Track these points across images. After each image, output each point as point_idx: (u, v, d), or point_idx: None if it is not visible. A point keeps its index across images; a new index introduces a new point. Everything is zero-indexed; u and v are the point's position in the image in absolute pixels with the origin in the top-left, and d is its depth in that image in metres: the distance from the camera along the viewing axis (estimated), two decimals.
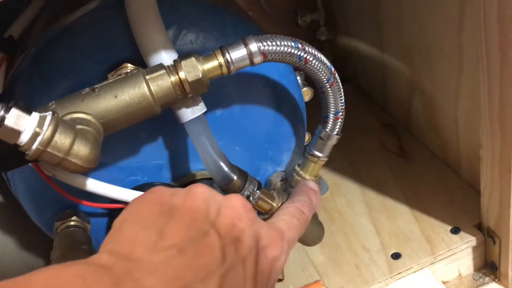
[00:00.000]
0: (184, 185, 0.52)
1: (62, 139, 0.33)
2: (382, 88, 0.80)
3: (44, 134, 0.33)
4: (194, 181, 0.52)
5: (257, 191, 0.44)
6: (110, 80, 0.39)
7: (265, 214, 0.46)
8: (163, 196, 0.31)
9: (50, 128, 0.33)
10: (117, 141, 0.47)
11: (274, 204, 0.45)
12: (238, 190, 0.44)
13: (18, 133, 0.32)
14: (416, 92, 0.69)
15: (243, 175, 0.44)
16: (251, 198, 0.42)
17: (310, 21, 0.88)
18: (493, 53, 0.44)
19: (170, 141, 0.50)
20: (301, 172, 0.51)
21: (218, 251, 0.28)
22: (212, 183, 0.52)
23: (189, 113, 0.43)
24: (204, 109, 0.44)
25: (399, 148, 0.74)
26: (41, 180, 0.46)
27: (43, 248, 0.62)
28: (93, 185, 0.46)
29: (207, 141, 0.43)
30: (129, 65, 0.43)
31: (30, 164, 0.40)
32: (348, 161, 0.73)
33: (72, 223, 0.48)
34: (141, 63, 0.44)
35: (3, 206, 0.60)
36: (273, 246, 0.33)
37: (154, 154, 0.50)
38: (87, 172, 0.38)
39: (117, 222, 0.30)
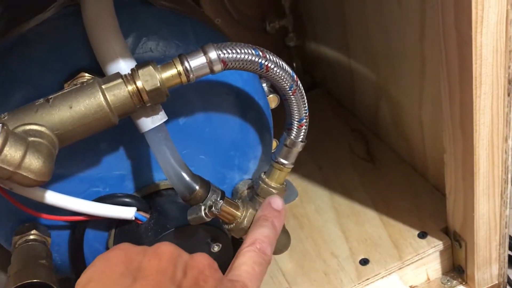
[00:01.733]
0: (147, 195, 0.51)
1: (12, 152, 0.32)
2: (350, 93, 0.80)
3: None
4: (157, 191, 0.51)
5: (220, 200, 0.43)
6: (65, 90, 0.38)
7: (229, 224, 0.45)
8: (129, 254, 0.31)
9: None
10: (77, 152, 0.46)
11: (238, 214, 0.45)
12: (201, 200, 0.43)
13: None
14: (382, 97, 0.69)
15: (206, 184, 0.44)
16: (213, 208, 0.42)
17: (279, 27, 0.88)
18: (452, 59, 0.44)
19: (132, 151, 0.49)
20: (267, 180, 0.50)
21: None
22: (176, 193, 0.51)
23: (149, 123, 0.42)
24: (165, 118, 0.43)
25: (367, 153, 0.74)
26: None
27: (3, 262, 0.60)
28: (53, 197, 0.45)
29: (168, 151, 0.43)
30: (86, 74, 0.43)
31: None
32: (317, 166, 0.73)
33: (31, 237, 0.47)
34: (100, 73, 0.43)
35: None
36: None
37: (116, 164, 0.49)
38: (43, 184, 0.37)
39: (81, 281, 0.29)
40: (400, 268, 0.57)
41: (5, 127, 0.33)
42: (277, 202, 0.44)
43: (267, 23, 0.87)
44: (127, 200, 0.49)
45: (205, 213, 0.42)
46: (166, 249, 0.31)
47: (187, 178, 0.43)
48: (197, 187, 0.43)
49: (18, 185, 0.42)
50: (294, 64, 0.92)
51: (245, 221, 0.45)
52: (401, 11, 0.55)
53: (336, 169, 0.72)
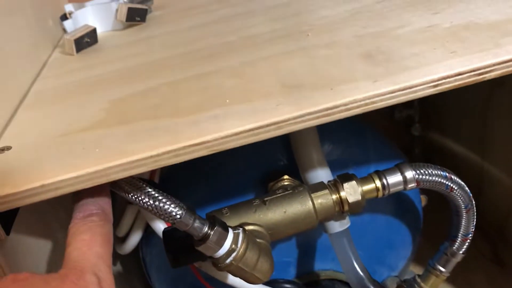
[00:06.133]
0: (307, 283, 0.55)
1: (251, 255, 0.37)
2: (476, 191, 0.81)
3: (238, 251, 0.36)
4: (317, 280, 0.55)
5: None
6: (279, 195, 0.43)
7: None
8: None
9: (243, 245, 0.37)
10: None
11: None
12: None
13: (217, 248, 0.36)
14: None
15: None
16: None
17: (406, 116, 0.92)
18: None
19: (301, 241, 0.53)
20: (422, 284, 0.53)
21: None
22: (333, 284, 0.55)
23: (337, 226, 0.46)
24: (349, 223, 0.47)
25: (495, 255, 0.75)
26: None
27: None
28: (232, 279, 0.49)
29: (351, 254, 0.46)
30: (286, 176, 0.48)
31: None
32: None
33: None
34: (296, 174, 0.48)
35: (125, 278, 0.64)
36: None
37: (286, 252, 0.53)
38: None
39: None
40: None
41: (246, 233, 0.38)
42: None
43: (396, 111, 0.91)
44: (291, 286, 0.53)
45: None
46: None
47: (367, 282, 0.46)
48: None
49: (206, 265, 0.48)
50: (416, 151, 0.95)
51: None
52: None
53: (462, 267, 0.73)
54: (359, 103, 0.32)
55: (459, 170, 0.85)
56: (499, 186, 0.74)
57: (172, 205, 0.35)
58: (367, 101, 0.32)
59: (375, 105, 0.32)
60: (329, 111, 0.32)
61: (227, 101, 0.35)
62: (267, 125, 0.31)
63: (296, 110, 0.32)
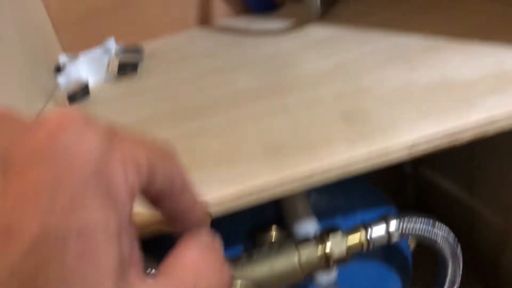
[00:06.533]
0: None
1: None
2: (467, 229, 0.82)
3: None
4: None
5: None
6: (265, 250, 0.44)
7: None
8: None
9: None
10: None
11: None
12: None
13: None
14: (509, 245, 0.71)
15: None
16: None
17: None
18: None
19: None
20: None
21: None
22: None
23: (325, 278, 0.47)
24: (336, 274, 0.47)
25: None
26: None
27: None
28: None
29: None
30: (274, 227, 0.48)
31: None
32: None
33: None
34: (282, 223, 0.49)
35: None
36: None
37: None
38: None
39: None
40: None
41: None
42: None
43: None
44: None
45: None
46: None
47: None
48: None
49: None
50: (408, 188, 0.96)
51: None
52: None
53: None
54: (336, 168, 0.33)
55: (451, 208, 0.86)
56: (490, 224, 0.75)
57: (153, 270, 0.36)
58: (345, 163, 0.33)
59: (352, 168, 0.33)
60: (307, 176, 0.33)
61: (211, 164, 0.36)
62: (249, 190, 0.33)
63: (275, 175, 0.33)
